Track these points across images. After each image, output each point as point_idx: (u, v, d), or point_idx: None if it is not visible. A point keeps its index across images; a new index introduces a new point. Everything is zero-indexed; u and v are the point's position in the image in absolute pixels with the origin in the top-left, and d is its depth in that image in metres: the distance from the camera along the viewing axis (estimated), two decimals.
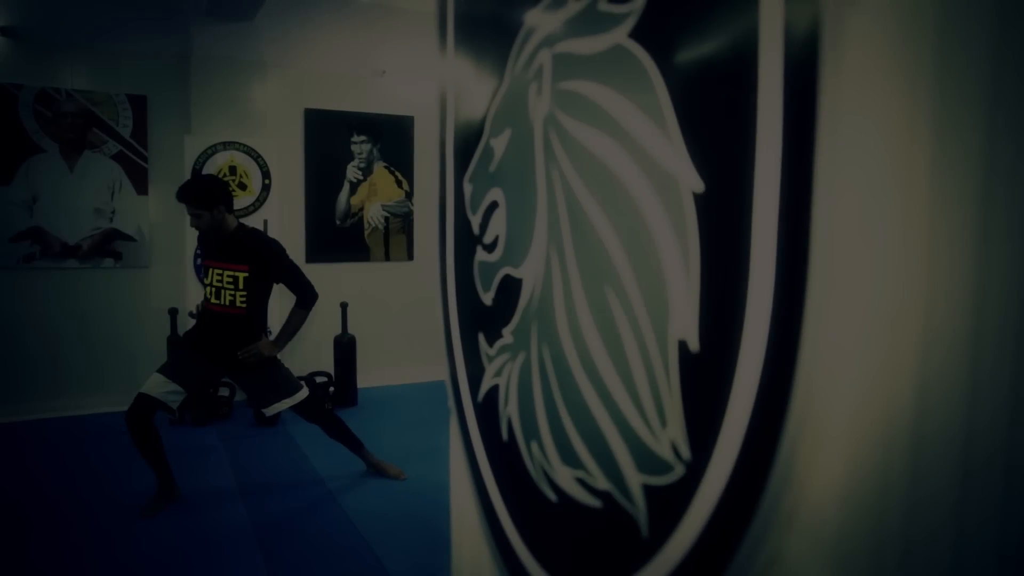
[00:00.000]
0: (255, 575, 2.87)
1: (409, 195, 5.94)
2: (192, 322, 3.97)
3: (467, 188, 1.05)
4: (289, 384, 3.52)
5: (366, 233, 5.79)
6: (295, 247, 5.53)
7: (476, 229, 1.03)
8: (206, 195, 3.25)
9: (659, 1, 0.68)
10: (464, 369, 1.08)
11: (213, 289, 3.31)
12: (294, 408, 3.56)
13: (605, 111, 0.76)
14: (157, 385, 3.32)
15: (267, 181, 5.27)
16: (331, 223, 5.67)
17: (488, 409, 1.02)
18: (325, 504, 3.58)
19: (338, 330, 5.34)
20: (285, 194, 5.43)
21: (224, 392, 4.98)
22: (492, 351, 1.00)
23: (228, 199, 3.33)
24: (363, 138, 5.71)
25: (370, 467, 3.93)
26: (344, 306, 5.28)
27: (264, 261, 3.31)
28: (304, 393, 3.54)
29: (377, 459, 3.93)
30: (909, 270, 0.55)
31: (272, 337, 3.48)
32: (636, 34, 0.71)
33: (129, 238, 5.06)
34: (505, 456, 0.98)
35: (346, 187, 5.70)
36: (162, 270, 5.19)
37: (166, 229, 5.17)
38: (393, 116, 5.80)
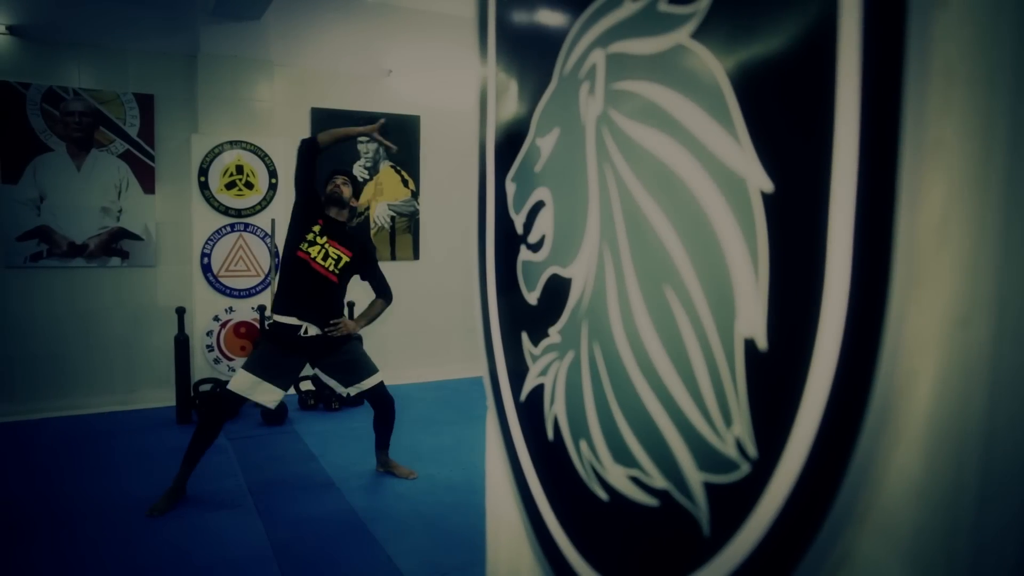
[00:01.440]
0: (268, 573, 2.87)
1: (415, 194, 5.95)
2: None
3: (510, 187, 1.05)
4: (368, 364, 3.76)
5: (372, 232, 5.79)
6: None
7: (520, 228, 1.03)
8: (359, 186, 3.81)
9: (726, 2, 0.69)
10: (505, 368, 1.08)
11: (323, 251, 3.54)
12: (367, 391, 3.74)
13: (665, 111, 0.76)
14: (246, 384, 3.45)
15: (274, 180, 5.27)
16: None
17: (532, 408, 1.02)
18: (335, 503, 3.59)
19: None
20: (292, 194, 5.40)
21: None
22: (537, 350, 1.00)
23: (359, 201, 3.86)
24: (369, 137, 5.70)
25: (381, 466, 3.94)
26: (351, 305, 5.28)
27: (365, 255, 3.69)
28: (381, 376, 3.79)
29: (392, 460, 3.96)
30: (981, 269, 0.56)
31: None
32: (700, 35, 0.72)
33: (136, 237, 5.06)
34: (550, 455, 0.98)
35: None
36: (169, 269, 5.19)
37: (173, 228, 5.17)
38: (399, 115, 5.81)
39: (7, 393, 4.83)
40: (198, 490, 3.65)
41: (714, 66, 0.70)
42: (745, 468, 0.69)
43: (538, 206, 0.99)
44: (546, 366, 0.98)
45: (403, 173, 5.89)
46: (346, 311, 4.87)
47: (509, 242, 1.06)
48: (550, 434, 0.98)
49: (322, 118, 5.55)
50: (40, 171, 4.75)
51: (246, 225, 5.21)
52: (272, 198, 5.28)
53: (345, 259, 3.57)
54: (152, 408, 5.06)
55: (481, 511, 3.60)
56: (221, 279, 5.16)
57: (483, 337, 1.13)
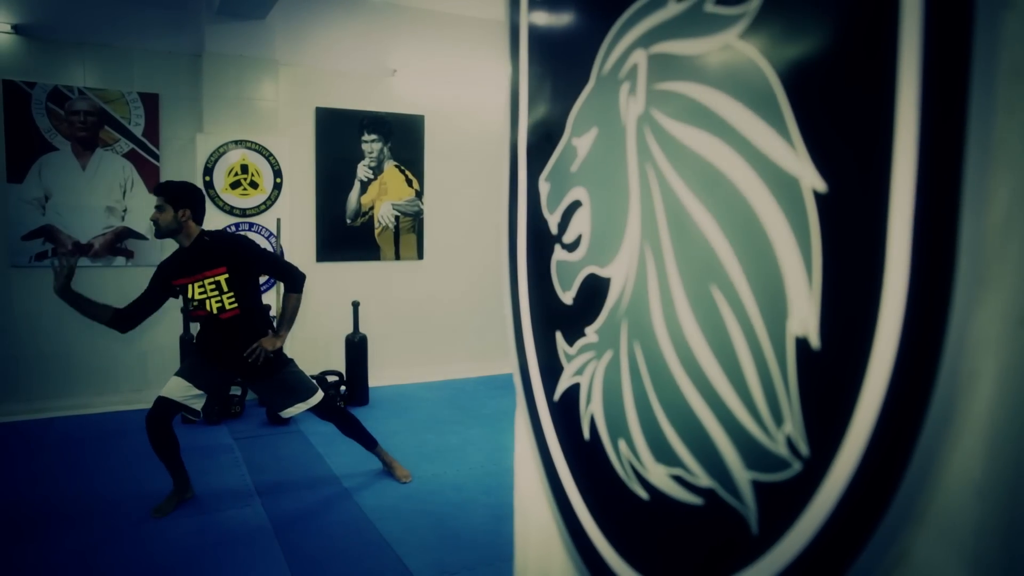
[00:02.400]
0: (277, 573, 2.87)
1: (419, 194, 5.95)
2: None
3: (543, 187, 1.05)
4: (304, 386, 3.52)
5: (376, 232, 5.79)
6: (306, 246, 5.54)
7: (554, 228, 1.03)
8: (179, 193, 3.25)
9: (778, 3, 0.69)
10: (537, 368, 1.08)
11: (196, 303, 3.30)
12: (312, 410, 3.57)
13: (711, 111, 0.76)
14: (178, 389, 3.32)
15: (279, 180, 5.27)
16: (342, 222, 5.67)
17: (566, 408, 1.02)
18: (342, 503, 3.59)
19: (349, 329, 5.34)
20: (296, 193, 5.44)
21: (236, 391, 4.98)
22: (572, 350, 1.00)
23: (199, 209, 3.31)
24: (374, 137, 5.71)
25: (385, 465, 3.94)
26: (355, 305, 5.28)
27: (239, 257, 3.30)
28: (320, 396, 3.56)
29: (390, 457, 3.94)
30: None
31: (272, 332, 3.45)
32: (749, 35, 0.72)
33: (141, 236, 5.05)
34: (587, 455, 0.98)
35: (357, 186, 5.71)
36: None
37: None
38: (404, 115, 5.81)
39: (13, 392, 4.82)
40: (205, 490, 3.65)
41: (764, 66, 0.70)
42: (796, 466, 0.69)
43: (574, 206, 0.99)
44: (582, 365, 0.98)
45: (407, 173, 5.89)
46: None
47: (542, 242, 1.06)
48: (586, 433, 0.98)
49: (327, 117, 5.55)
50: (45, 170, 4.74)
51: (251, 224, 5.20)
52: (277, 197, 5.27)
53: (223, 277, 3.25)
54: None
55: (489, 511, 3.61)
56: None
57: (513, 337, 1.14)
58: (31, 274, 4.79)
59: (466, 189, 6.16)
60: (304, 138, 5.52)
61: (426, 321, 6.09)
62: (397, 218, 5.87)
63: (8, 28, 4.57)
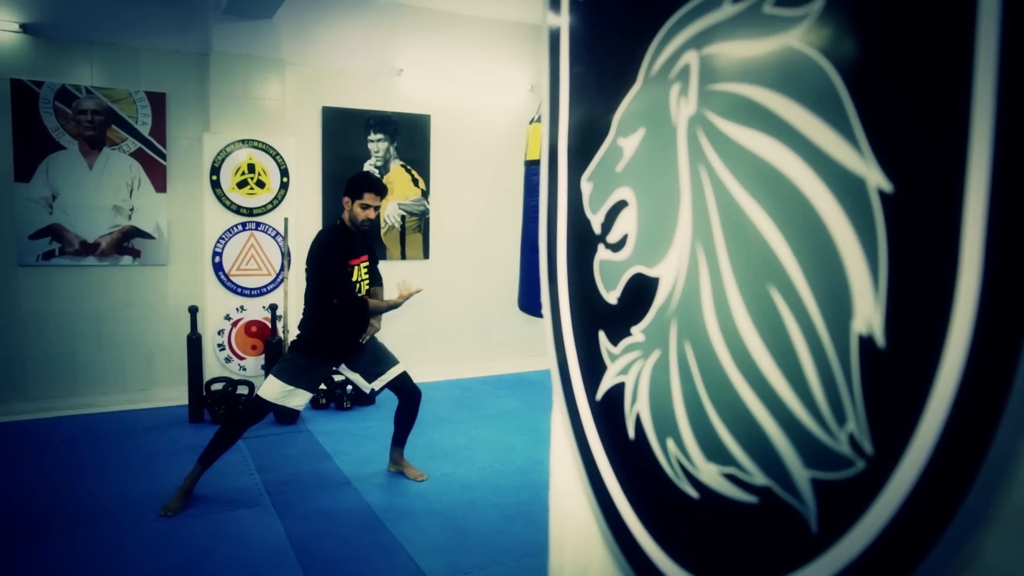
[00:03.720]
0: (290, 573, 2.87)
1: (425, 194, 5.95)
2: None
3: (585, 187, 1.06)
4: (391, 356, 3.77)
5: (382, 232, 5.79)
6: None
7: (597, 228, 1.04)
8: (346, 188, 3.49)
9: (843, 5, 0.69)
10: (578, 367, 1.09)
11: (361, 282, 3.52)
12: (392, 382, 3.73)
13: (770, 112, 0.77)
14: (277, 392, 3.44)
15: (285, 179, 5.27)
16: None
17: (610, 407, 1.02)
18: (352, 502, 3.59)
19: None
20: (303, 192, 5.43)
21: (243, 390, 4.98)
22: (616, 349, 1.01)
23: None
24: (380, 136, 5.71)
25: (394, 464, 3.94)
26: None
27: (371, 247, 3.67)
28: (403, 365, 3.81)
29: (405, 460, 3.95)
30: None
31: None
32: (811, 37, 0.72)
33: (148, 236, 5.05)
34: (632, 454, 0.99)
35: None
36: (181, 268, 5.18)
37: (185, 227, 5.16)
38: (410, 115, 5.81)
39: (21, 392, 4.82)
40: (215, 489, 3.64)
41: (827, 67, 0.71)
42: (860, 465, 0.70)
43: (619, 206, 0.99)
44: (627, 365, 0.99)
45: (413, 172, 5.89)
46: None
47: (584, 241, 1.07)
48: (631, 432, 0.98)
49: (333, 117, 5.54)
50: (52, 169, 4.73)
51: (258, 224, 5.20)
52: (283, 197, 5.27)
53: (366, 264, 3.57)
54: (164, 407, 5.05)
55: (499, 510, 3.61)
56: (232, 278, 5.15)
57: (552, 336, 1.14)
58: (38, 273, 4.78)
59: (472, 189, 6.16)
60: (310, 137, 5.52)
61: (432, 321, 6.09)
62: (403, 218, 5.87)
63: (16, 27, 4.56)
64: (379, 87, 5.71)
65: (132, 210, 4.99)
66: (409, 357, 5.94)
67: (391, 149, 5.76)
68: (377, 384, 3.71)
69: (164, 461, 4.06)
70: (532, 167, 3.90)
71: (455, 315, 6.18)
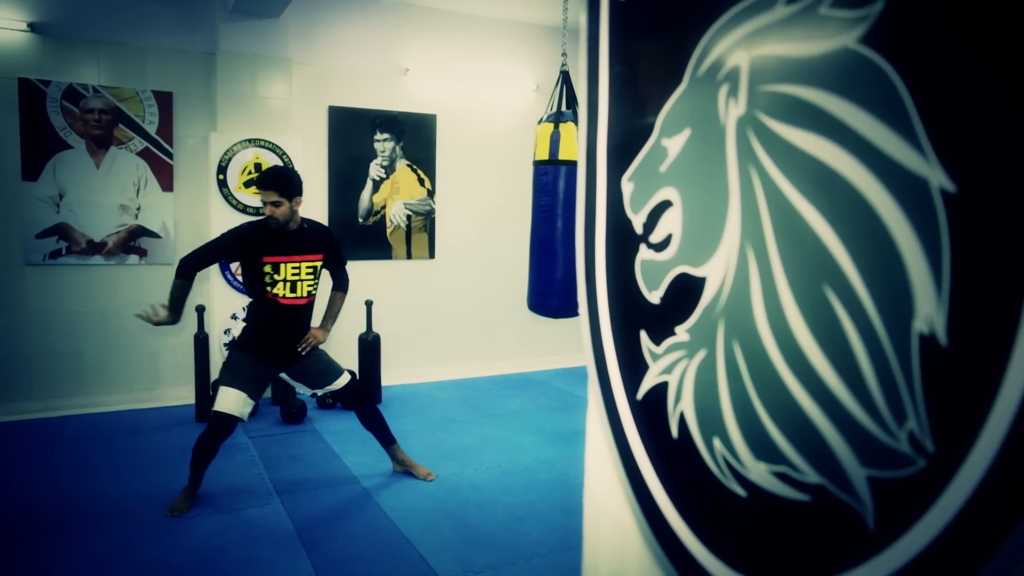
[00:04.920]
0: (301, 572, 2.88)
1: (431, 193, 5.95)
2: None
3: (627, 187, 1.06)
4: (335, 367, 3.65)
5: (388, 231, 5.80)
6: None
7: (639, 228, 1.04)
8: (291, 184, 3.29)
9: (904, 7, 0.70)
10: (617, 367, 1.09)
11: (288, 283, 3.33)
12: (338, 392, 3.65)
13: (825, 112, 0.77)
14: (238, 403, 3.35)
15: None
16: (354, 221, 5.67)
17: (652, 406, 1.03)
18: (362, 501, 3.59)
19: (361, 328, 5.34)
20: (309, 191, 5.41)
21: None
22: (659, 349, 1.01)
23: (302, 193, 3.38)
24: (386, 136, 5.72)
25: (398, 464, 3.94)
26: (369, 304, 5.29)
27: (333, 249, 3.51)
28: (348, 376, 3.68)
29: (408, 457, 3.94)
30: None
31: (318, 324, 3.58)
32: (870, 39, 0.73)
33: (154, 235, 5.05)
34: (675, 453, 0.99)
35: (369, 185, 5.71)
36: None
37: (191, 226, 5.16)
38: (416, 114, 5.81)
39: (27, 391, 4.82)
40: (224, 488, 3.65)
41: (887, 68, 0.71)
42: (921, 464, 0.70)
43: (663, 205, 1.00)
44: (671, 364, 0.99)
45: (419, 172, 5.89)
46: None
47: (624, 241, 1.07)
48: (675, 432, 0.99)
49: (340, 116, 5.55)
50: (60, 168, 4.73)
51: None
52: None
53: (318, 264, 3.41)
54: (171, 406, 5.05)
55: (509, 510, 3.62)
56: (239, 277, 5.15)
57: (590, 336, 1.14)
58: (45, 272, 4.78)
59: (478, 188, 6.17)
60: (317, 137, 5.52)
61: (437, 320, 6.10)
62: (409, 217, 5.87)
63: (24, 26, 4.56)
64: (385, 87, 5.72)
65: (139, 209, 4.99)
66: (414, 356, 5.97)
67: (397, 149, 5.77)
68: (321, 392, 3.66)
69: (171, 460, 4.06)
70: (541, 167, 3.91)
71: (461, 315, 6.18)
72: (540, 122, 3.87)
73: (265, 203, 3.22)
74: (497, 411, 5.21)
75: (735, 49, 0.88)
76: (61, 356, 4.89)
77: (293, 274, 3.31)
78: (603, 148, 1.11)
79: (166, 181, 5.05)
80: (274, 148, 5.18)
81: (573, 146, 3.80)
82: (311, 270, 3.37)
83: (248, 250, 3.30)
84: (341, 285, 3.62)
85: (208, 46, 5.10)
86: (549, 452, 4.35)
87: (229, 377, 3.37)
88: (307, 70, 5.44)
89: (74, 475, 3.82)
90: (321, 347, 3.66)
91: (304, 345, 3.44)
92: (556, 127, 3.81)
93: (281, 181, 3.24)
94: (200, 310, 4.74)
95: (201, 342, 4.74)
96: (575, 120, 3.83)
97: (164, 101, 5.00)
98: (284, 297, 3.33)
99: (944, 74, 0.67)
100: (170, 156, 5.05)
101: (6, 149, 4.61)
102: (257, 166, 5.12)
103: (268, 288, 3.30)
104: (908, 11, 0.70)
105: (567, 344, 6.68)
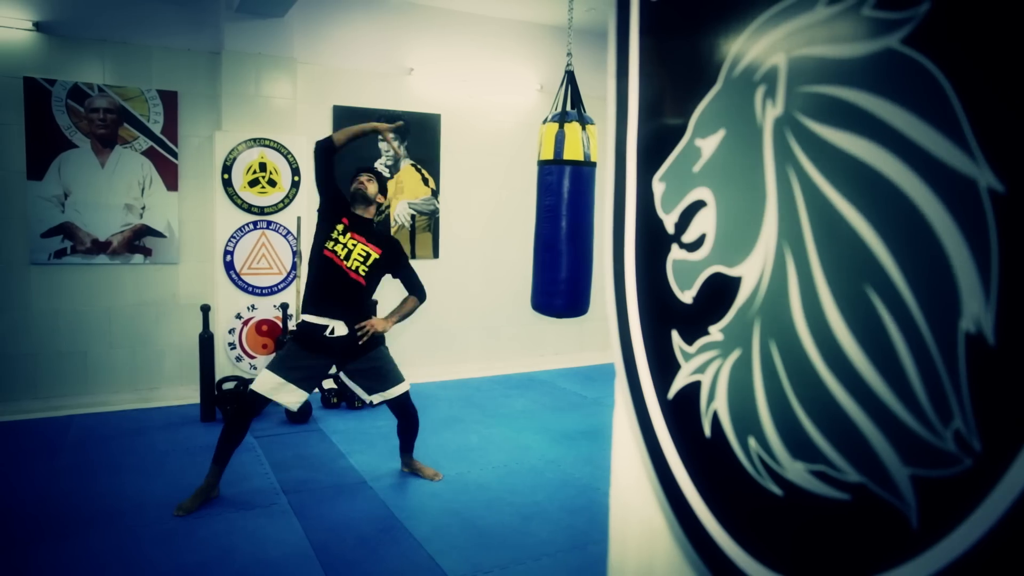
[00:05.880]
0: (310, 572, 2.87)
1: (435, 193, 5.95)
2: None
3: (658, 187, 1.06)
4: (396, 374, 3.72)
5: (393, 231, 5.79)
6: None
7: (671, 228, 1.04)
8: (384, 181, 3.72)
9: (952, 7, 0.70)
10: (647, 366, 1.09)
11: (346, 250, 3.50)
12: (391, 400, 3.71)
13: (868, 113, 0.78)
14: (269, 385, 3.43)
15: (296, 178, 5.27)
16: None
17: (683, 406, 1.03)
18: (369, 501, 3.59)
19: None
20: (314, 191, 5.41)
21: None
22: (691, 348, 1.02)
23: (386, 195, 3.79)
24: (380, 136, 5.70)
25: (406, 466, 3.95)
26: (373, 304, 5.28)
27: (395, 253, 3.67)
28: (407, 386, 3.76)
29: (419, 463, 3.96)
30: None
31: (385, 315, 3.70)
32: (915, 40, 0.73)
33: (159, 234, 5.05)
34: (707, 452, 0.99)
35: None
36: (192, 267, 5.18)
37: (196, 225, 5.16)
38: (420, 114, 5.82)
39: (31, 390, 4.81)
40: (230, 489, 3.64)
41: (933, 69, 0.72)
42: (967, 463, 0.71)
43: (696, 206, 1.00)
44: (704, 364, 0.99)
45: (423, 171, 5.89)
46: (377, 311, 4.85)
47: (655, 241, 1.08)
48: (707, 431, 0.99)
49: (344, 116, 5.55)
50: (65, 168, 4.73)
51: (269, 223, 5.20)
52: (295, 196, 5.27)
53: (374, 256, 3.53)
54: (175, 406, 5.05)
55: (516, 510, 3.62)
56: (244, 277, 5.15)
57: (618, 336, 1.15)
58: (50, 272, 4.78)
59: (482, 188, 6.17)
60: (321, 136, 5.51)
61: (441, 320, 6.10)
62: (413, 217, 5.87)
63: (29, 25, 4.55)
64: (389, 86, 5.72)
65: (144, 208, 4.98)
66: (418, 356, 5.97)
67: (401, 148, 5.76)
68: (377, 399, 3.69)
69: (177, 460, 4.06)
70: (546, 167, 3.91)
71: (464, 314, 6.19)
72: (545, 122, 3.86)
73: (362, 180, 3.62)
74: (501, 411, 5.22)
75: (773, 50, 0.89)
76: (66, 355, 4.88)
77: (352, 245, 3.51)
78: (632, 148, 1.11)
79: (171, 180, 5.05)
80: (279, 147, 5.18)
81: (578, 146, 3.80)
82: (365, 255, 3.52)
83: (338, 206, 3.58)
84: (414, 291, 3.72)
85: (213, 45, 5.10)
86: (555, 452, 4.36)
87: (273, 363, 3.51)
88: (311, 70, 5.44)
89: (79, 475, 3.81)
90: (387, 349, 3.73)
91: (362, 330, 3.51)
92: (561, 127, 3.81)
93: (380, 173, 3.75)
94: (205, 309, 4.74)
95: (206, 342, 4.74)
96: (580, 120, 3.83)
97: (169, 100, 5.00)
98: (338, 257, 3.49)
99: (993, 75, 0.68)
100: (175, 155, 5.05)
101: (11, 148, 4.60)
102: (262, 165, 5.12)
103: (329, 244, 3.50)
104: (955, 12, 0.70)
105: (570, 344, 6.69)
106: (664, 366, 1.06)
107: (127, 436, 4.44)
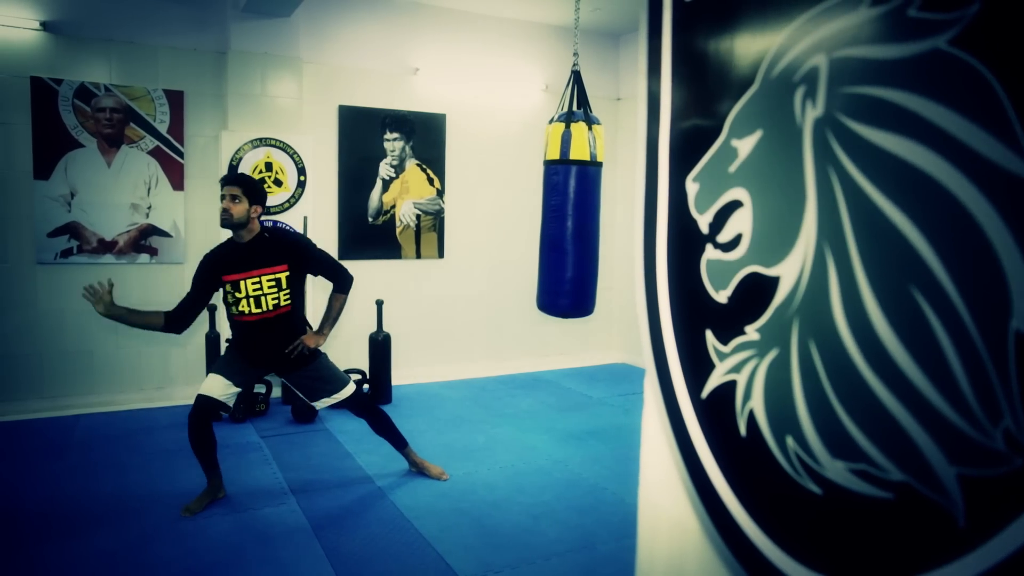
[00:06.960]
0: (320, 572, 2.87)
1: (440, 193, 5.96)
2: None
3: (691, 187, 1.07)
4: (338, 378, 3.58)
5: (398, 231, 5.80)
6: (329, 244, 5.54)
7: (705, 228, 1.05)
8: (255, 188, 3.27)
9: (1001, 8, 0.70)
10: (679, 366, 1.10)
11: (251, 299, 3.28)
12: (343, 402, 3.59)
13: (913, 114, 0.78)
14: (218, 387, 3.33)
15: (302, 178, 5.27)
16: (364, 220, 5.67)
17: (718, 405, 1.04)
18: (377, 501, 3.59)
19: (372, 327, 5.34)
20: (320, 191, 5.43)
21: (260, 389, 4.97)
22: (726, 348, 1.02)
23: (265, 205, 3.33)
24: (396, 135, 5.72)
25: (412, 465, 3.94)
26: (379, 304, 5.29)
27: (300, 256, 3.36)
28: (352, 387, 3.61)
29: (420, 458, 3.95)
30: None
31: (315, 329, 3.51)
32: (963, 41, 0.74)
33: (165, 234, 5.04)
34: (743, 452, 1.00)
35: (379, 184, 5.71)
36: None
37: (202, 225, 5.16)
38: (425, 114, 5.82)
39: (37, 389, 4.80)
40: (239, 488, 3.64)
41: (983, 70, 0.72)
42: (1017, 462, 0.71)
43: (732, 206, 1.00)
44: (739, 363, 1.00)
45: (429, 171, 5.89)
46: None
47: (689, 241, 1.08)
48: (743, 430, 1.00)
49: (349, 115, 5.55)
50: (71, 167, 4.72)
51: (275, 222, 5.19)
52: (300, 195, 5.27)
53: (283, 275, 3.28)
54: (181, 405, 5.04)
55: (525, 509, 3.62)
56: None
57: (649, 336, 1.15)
58: (56, 271, 4.77)
59: (487, 188, 6.17)
60: (327, 136, 5.52)
61: (446, 320, 6.10)
62: (418, 217, 5.88)
63: (36, 25, 4.55)
64: (395, 86, 5.72)
65: (150, 208, 4.98)
66: (423, 356, 5.97)
67: (407, 148, 5.77)
68: (320, 405, 3.56)
69: (183, 460, 4.05)
70: (552, 167, 3.91)
71: (469, 314, 6.19)
72: (551, 122, 3.87)
73: (225, 197, 3.16)
74: (507, 411, 5.21)
75: (813, 51, 0.89)
76: (72, 355, 4.88)
77: (255, 289, 3.26)
78: (665, 148, 1.12)
79: (177, 180, 5.04)
80: (285, 147, 5.18)
81: (584, 146, 3.81)
82: (274, 282, 3.27)
83: (211, 272, 3.29)
84: (339, 286, 3.46)
85: (219, 45, 5.10)
86: (562, 452, 4.36)
87: (217, 366, 3.44)
88: (318, 69, 5.43)
89: (86, 474, 3.81)
90: (325, 352, 3.58)
91: (292, 349, 3.36)
92: (567, 127, 3.81)
93: (247, 180, 3.24)
94: (211, 309, 4.74)
95: (212, 341, 4.74)
96: (586, 120, 3.84)
97: (175, 100, 4.99)
98: (250, 314, 3.28)
99: None
100: (181, 155, 5.04)
101: (18, 148, 4.60)
102: (268, 165, 5.12)
103: (232, 307, 3.30)
104: (1007, 13, 0.70)
105: (576, 344, 6.69)
106: (697, 366, 1.07)
107: (133, 435, 4.44)
